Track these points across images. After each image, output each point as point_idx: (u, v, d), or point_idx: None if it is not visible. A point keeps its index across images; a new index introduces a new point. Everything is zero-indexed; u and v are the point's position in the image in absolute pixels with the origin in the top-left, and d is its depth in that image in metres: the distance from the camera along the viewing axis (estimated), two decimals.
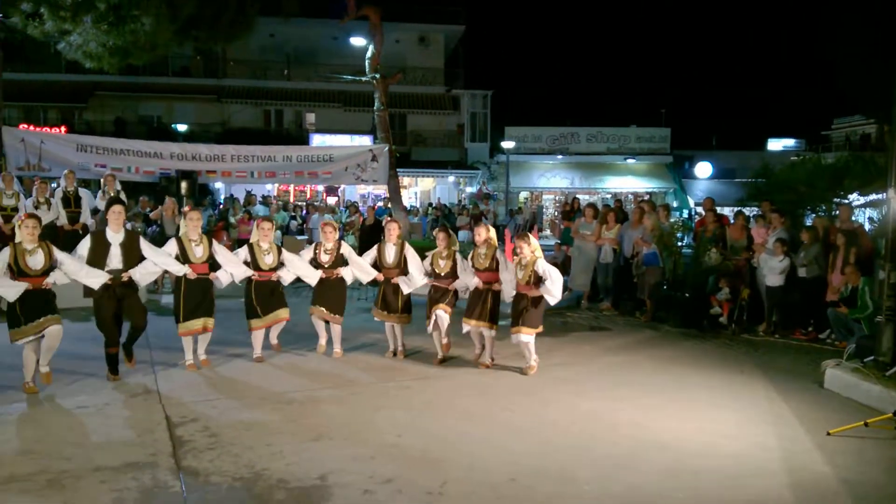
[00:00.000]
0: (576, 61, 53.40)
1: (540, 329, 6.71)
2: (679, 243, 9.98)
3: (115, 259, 6.05)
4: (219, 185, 24.51)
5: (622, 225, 10.55)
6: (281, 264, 6.96)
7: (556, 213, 26.17)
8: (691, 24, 54.69)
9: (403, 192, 21.41)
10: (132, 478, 4.12)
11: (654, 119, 32.30)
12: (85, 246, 6.08)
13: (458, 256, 7.06)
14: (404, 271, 7.12)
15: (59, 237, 9.62)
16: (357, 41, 16.98)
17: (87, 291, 6.15)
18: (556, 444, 4.89)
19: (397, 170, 16.02)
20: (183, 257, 6.47)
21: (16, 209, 9.70)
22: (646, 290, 9.79)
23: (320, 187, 26.03)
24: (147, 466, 4.29)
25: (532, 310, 6.54)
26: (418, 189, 31.28)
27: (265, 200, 18.04)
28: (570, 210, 13.65)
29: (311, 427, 5.12)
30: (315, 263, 7.14)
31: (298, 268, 7.06)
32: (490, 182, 29.37)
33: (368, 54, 15.59)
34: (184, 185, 13.88)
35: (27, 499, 3.84)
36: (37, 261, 5.65)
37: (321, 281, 7.10)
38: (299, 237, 15.70)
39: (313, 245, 7.33)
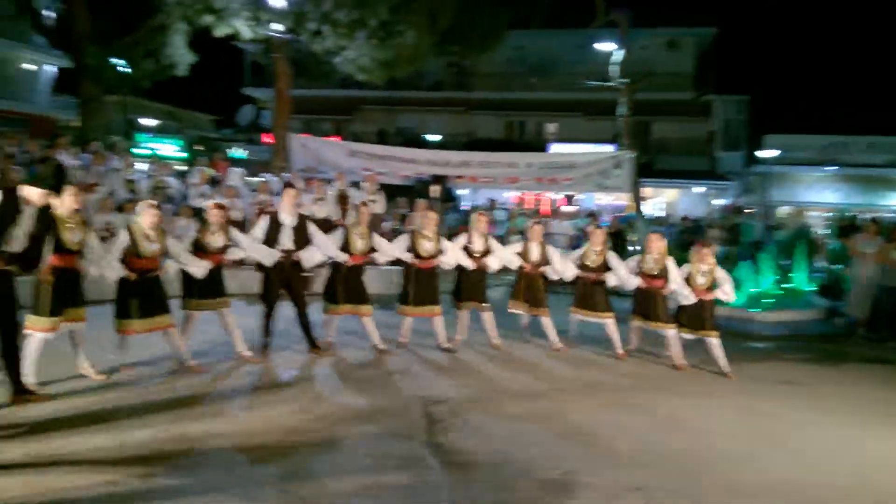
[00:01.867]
0: (848, 60, 47.00)
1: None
2: None
3: (286, 239, 6.46)
4: (464, 191, 25.79)
5: None
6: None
7: (825, 232, 23.22)
8: None
9: (645, 204, 20.60)
10: (390, 447, 4.41)
11: None
12: (262, 226, 6.52)
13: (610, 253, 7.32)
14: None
15: (329, 230, 10.75)
16: (603, 47, 16.72)
17: (259, 267, 6.60)
18: (823, 472, 4.27)
19: (641, 179, 15.48)
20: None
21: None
22: None
23: (560, 195, 26.04)
24: (403, 438, 4.56)
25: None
26: (661, 200, 29.87)
27: (492, 205, 18.51)
28: (849, 226, 12.01)
29: (555, 422, 5.09)
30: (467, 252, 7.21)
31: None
32: (744, 194, 27.06)
33: (614, 60, 15.28)
34: (435, 188, 14.75)
35: (301, 453, 4.28)
36: (217, 240, 6.11)
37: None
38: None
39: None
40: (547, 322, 7.41)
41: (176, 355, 5.95)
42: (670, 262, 6.99)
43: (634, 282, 7.12)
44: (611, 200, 25.34)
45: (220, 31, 14.48)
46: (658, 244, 7.04)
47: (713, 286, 6.87)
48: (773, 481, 4.20)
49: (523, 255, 7.43)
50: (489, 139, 28.86)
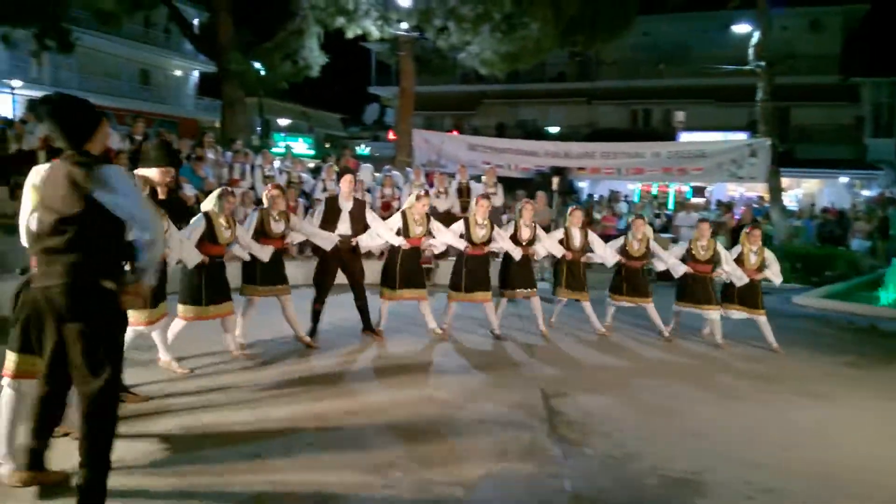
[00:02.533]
0: None
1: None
2: None
3: (344, 224, 6.51)
4: (583, 183, 25.35)
5: None
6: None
7: None
8: None
9: (784, 195, 19.30)
10: (513, 435, 4.46)
11: None
12: (320, 210, 6.66)
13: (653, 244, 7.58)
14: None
15: (451, 222, 10.96)
16: (740, 28, 15.81)
17: (317, 250, 6.72)
18: None
19: (779, 168, 14.56)
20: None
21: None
22: None
23: (686, 186, 24.97)
24: (526, 428, 4.60)
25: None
26: (800, 191, 27.84)
27: (614, 196, 18.00)
28: None
29: (683, 421, 4.94)
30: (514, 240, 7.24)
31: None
32: (895, 185, 24.68)
33: (753, 41, 14.42)
34: (555, 181, 14.60)
35: (427, 436, 4.42)
36: (279, 226, 6.20)
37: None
38: (664, 235, 15.31)
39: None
40: (588, 307, 7.57)
41: (232, 342, 6.00)
42: (720, 247, 7.33)
43: (682, 268, 7.35)
44: (743, 191, 24.01)
45: (352, 33, 15.11)
46: (705, 231, 7.37)
47: (762, 266, 7.28)
48: None
49: (566, 241, 7.51)
50: (612, 129, 28.15)
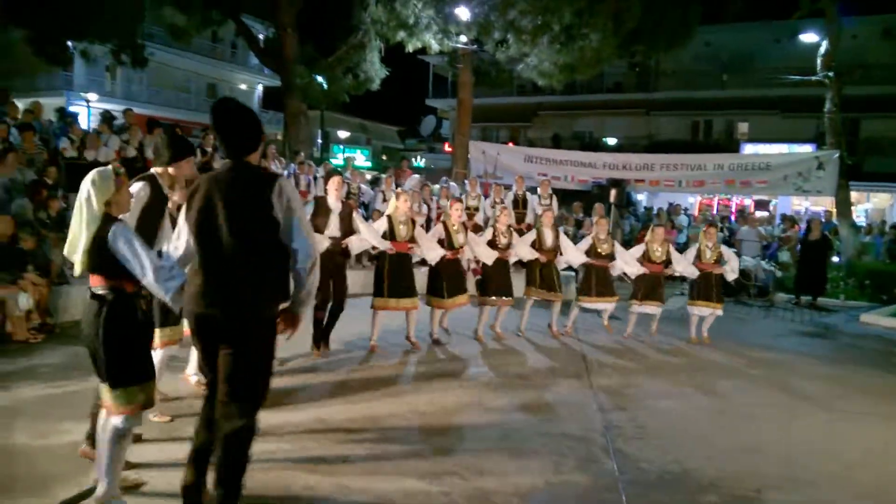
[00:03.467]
0: None
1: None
2: None
3: (333, 226, 6.29)
4: (641, 196, 24.97)
5: None
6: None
7: None
8: None
9: (853, 209, 18.59)
10: (569, 448, 4.46)
11: None
12: (308, 211, 6.27)
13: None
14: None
15: None
16: (808, 38, 15.38)
17: None
18: None
19: (848, 182, 14.06)
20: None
21: (477, 209, 11.41)
22: None
23: (748, 200, 24.30)
24: (581, 441, 4.60)
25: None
26: (869, 205, 26.72)
27: (674, 210, 17.67)
28: None
29: (740, 437, 4.85)
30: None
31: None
32: None
33: (821, 51, 14.01)
34: (613, 192, 14.46)
35: (484, 444, 4.47)
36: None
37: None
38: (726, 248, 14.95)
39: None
40: (556, 308, 7.88)
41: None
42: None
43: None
44: (809, 205, 23.25)
45: (412, 46, 15.35)
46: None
47: (720, 261, 7.86)
48: None
49: (537, 242, 7.69)
50: (671, 141, 27.61)
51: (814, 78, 14.20)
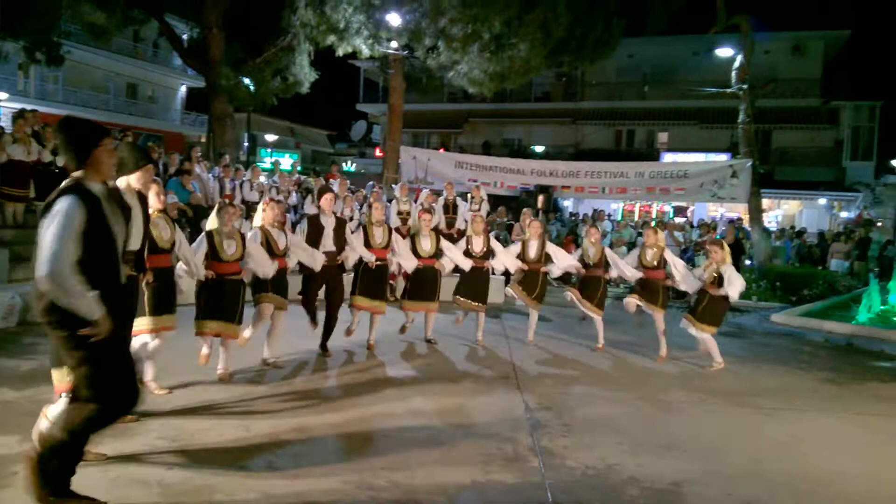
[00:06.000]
0: None
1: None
2: None
3: (328, 241, 6.56)
4: (567, 202, 25.61)
5: None
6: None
7: None
8: None
9: (764, 216, 19.62)
10: (497, 447, 4.53)
11: None
12: (302, 229, 6.68)
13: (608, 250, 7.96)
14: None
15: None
16: (724, 52, 16.16)
17: (303, 268, 6.64)
18: None
19: (759, 189, 14.84)
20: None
21: (409, 213, 11.43)
22: None
23: (668, 206, 25.31)
24: (509, 440, 4.67)
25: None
26: (781, 212, 28.30)
27: (598, 215, 18.21)
28: None
29: (661, 432, 5.04)
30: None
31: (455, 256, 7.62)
32: (873, 206, 25.18)
33: (735, 66, 14.75)
34: (540, 198, 14.81)
35: (411, 446, 4.48)
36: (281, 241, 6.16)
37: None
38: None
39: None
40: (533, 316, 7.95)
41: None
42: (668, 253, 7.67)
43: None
44: (724, 211, 24.38)
45: (342, 50, 15.26)
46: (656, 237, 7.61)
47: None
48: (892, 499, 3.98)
49: (522, 253, 7.84)
50: (596, 149, 28.49)
51: (728, 90, 14.93)
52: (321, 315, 6.78)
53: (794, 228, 21.25)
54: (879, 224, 22.57)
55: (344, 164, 32.36)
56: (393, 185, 13.41)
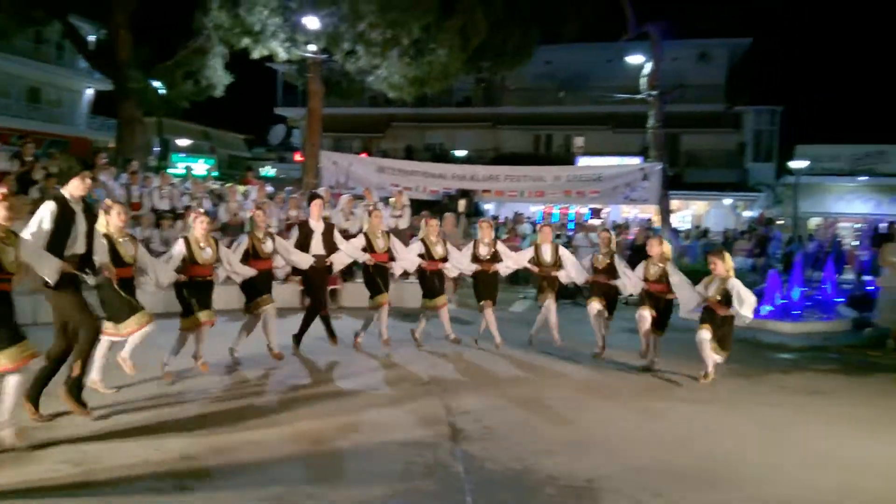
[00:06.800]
0: (886, 67, 45.79)
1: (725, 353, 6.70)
2: None
3: (317, 245, 7.04)
4: (489, 206, 25.96)
5: None
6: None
7: (857, 242, 22.79)
8: None
9: (673, 216, 20.49)
10: (418, 454, 4.54)
11: None
12: (294, 235, 7.19)
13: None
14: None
15: None
16: (634, 59, 16.79)
17: (297, 270, 7.32)
18: (841, 484, 4.29)
19: (669, 191, 15.50)
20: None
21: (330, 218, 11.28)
22: None
23: (586, 209, 26.05)
24: (430, 447, 4.69)
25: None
26: (690, 212, 29.62)
27: (518, 218, 18.59)
28: (883, 236, 11.87)
29: (579, 431, 5.18)
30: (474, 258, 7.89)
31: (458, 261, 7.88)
32: (774, 206, 26.73)
33: (645, 72, 15.36)
34: (462, 202, 14.94)
35: (333, 459, 4.44)
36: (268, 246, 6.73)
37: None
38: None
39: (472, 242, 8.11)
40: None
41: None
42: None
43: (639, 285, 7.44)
44: (637, 213, 25.28)
45: (258, 53, 14.94)
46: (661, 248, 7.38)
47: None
48: (794, 492, 4.23)
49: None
50: (516, 154, 29.00)
51: (639, 96, 15.54)
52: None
53: (700, 228, 22.31)
54: (780, 222, 23.99)
55: (262, 170, 31.66)
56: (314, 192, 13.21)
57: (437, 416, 5.39)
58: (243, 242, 6.56)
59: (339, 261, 7.34)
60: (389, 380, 6.51)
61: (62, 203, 4.61)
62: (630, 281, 7.42)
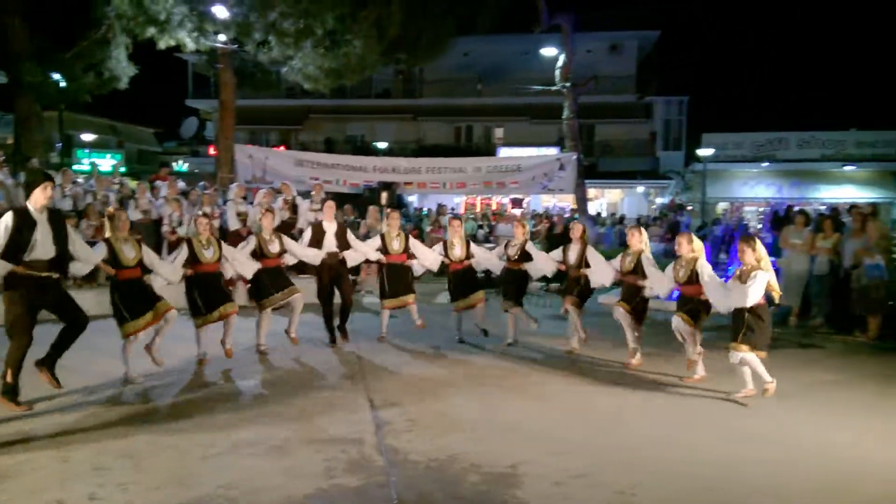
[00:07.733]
0: (785, 58, 48.65)
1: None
2: None
3: (330, 243, 7.52)
4: (412, 198, 25.94)
5: (841, 234, 9.53)
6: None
7: (761, 226, 24.10)
8: None
9: (590, 204, 21.10)
10: (341, 450, 4.51)
11: (879, 121, 28.59)
12: (308, 233, 7.72)
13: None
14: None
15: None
16: (548, 52, 17.13)
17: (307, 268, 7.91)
18: (757, 458, 4.56)
19: (584, 180, 15.93)
20: (383, 249, 7.81)
21: (247, 214, 10.98)
22: (868, 306, 8.75)
23: (506, 199, 26.46)
24: (353, 442, 4.67)
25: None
26: (605, 200, 30.59)
27: (440, 210, 18.70)
28: (783, 219, 12.58)
29: (503, 419, 5.27)
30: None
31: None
32: (684, 192, 27.92)
33: (559, 64, 15.69)
34: (384, 195, 14.84)
35: (255, 461, 4.35)
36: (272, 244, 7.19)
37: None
38: (486, 245, 16.11)
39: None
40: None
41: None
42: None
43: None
44: (556, 202, 25.87)
45: (164, 44, 14.32)
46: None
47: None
48: (707, 463, 4.46)
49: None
50: (437, 145, 29.07)
51: (554, 88, 15.87)
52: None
53: (615, 215, 23.06)
54: (689, 208, 25.08)
55: (175, 164, 30.48)
56: (230, 186, 12.81)
57: (361, 411, 5.37)
58: (251, 243, 7.12)
59: (351, 258, 7.77)
60: (313, 374, 6.44)
61: (21, 214, 5.01)
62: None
